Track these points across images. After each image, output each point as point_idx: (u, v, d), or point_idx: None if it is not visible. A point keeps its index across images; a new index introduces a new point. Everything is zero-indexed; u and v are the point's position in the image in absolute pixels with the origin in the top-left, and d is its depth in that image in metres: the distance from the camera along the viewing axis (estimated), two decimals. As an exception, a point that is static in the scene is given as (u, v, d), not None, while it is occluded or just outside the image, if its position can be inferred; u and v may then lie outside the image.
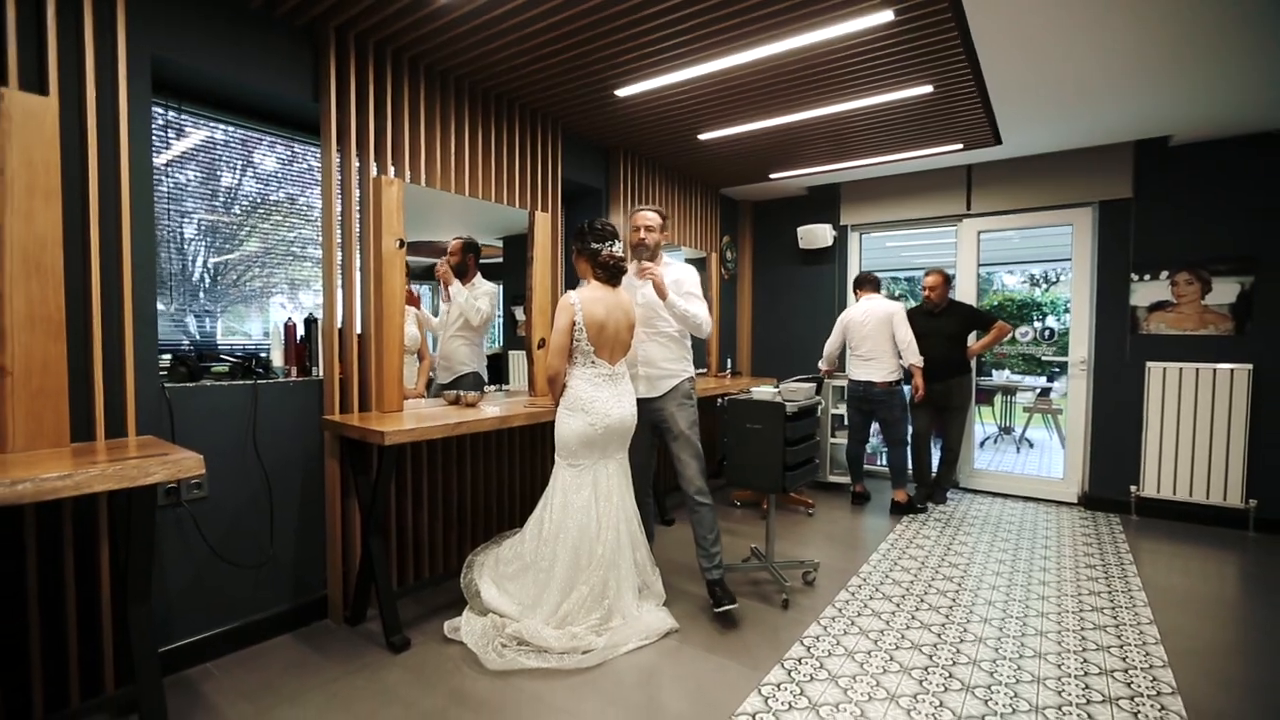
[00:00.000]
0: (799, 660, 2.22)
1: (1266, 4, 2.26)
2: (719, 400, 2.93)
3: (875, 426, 4.35)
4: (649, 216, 2.73)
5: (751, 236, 5.61)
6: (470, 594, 2.45)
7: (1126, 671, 2.16)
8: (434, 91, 2.77)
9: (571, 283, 2.55)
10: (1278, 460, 3.60)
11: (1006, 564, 3.16)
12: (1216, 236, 3.74)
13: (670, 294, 2.58)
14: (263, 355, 2.56)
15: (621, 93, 3.00)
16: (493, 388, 3.34)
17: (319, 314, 2.53)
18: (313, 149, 2.97)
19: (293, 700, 1.96)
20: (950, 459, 4.29)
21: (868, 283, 4.26)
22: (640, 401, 2.63)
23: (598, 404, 2.38)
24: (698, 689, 2.05)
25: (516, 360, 3.48)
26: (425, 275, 3.04)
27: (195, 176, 2.67)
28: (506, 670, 2.13)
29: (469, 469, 2.94)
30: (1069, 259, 4.35)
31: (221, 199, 2.80)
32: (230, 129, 2.74)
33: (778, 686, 2.05)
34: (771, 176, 4.65)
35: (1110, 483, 4.08)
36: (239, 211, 2.86)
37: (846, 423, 4.40)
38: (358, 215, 2.51)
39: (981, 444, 6.34)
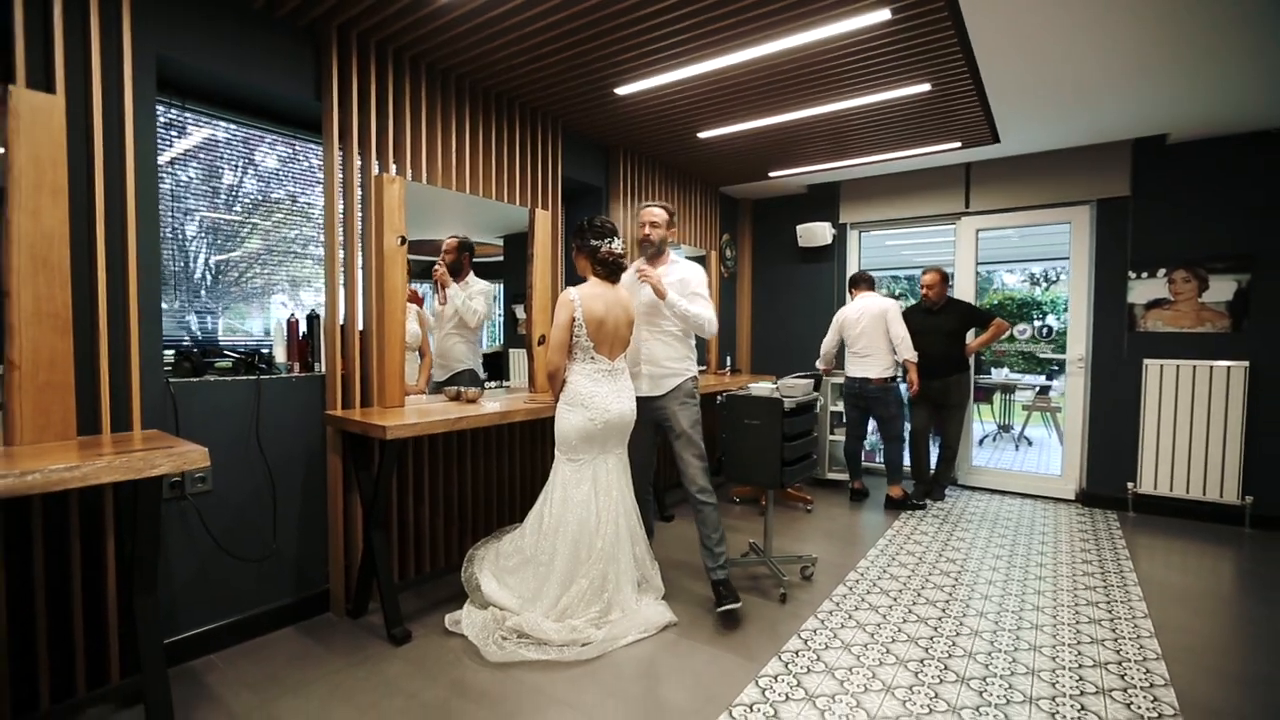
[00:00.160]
0: (796, 653, 2.24)
1: (1263, 3, 2.28)
2: (718, 397, 2.94)
3: (874, 424, 4.38)
4: (654, 212, 2.72)
5: (751, 235, 5.63)
6: (471, 588, 2.47)
7: (1120, 664, 2.18)
8: (435, 90, 2.79)
9: (571, 280, 2.57)
10: (1274, 457, 3.62)
11: (1003, 559, 3.18)
12: (1213, 234, 3.75)
13: (670, 294, 2.58)
14: (265, 351, 2.59)
15: (621, 91, 3.02)
16: (494, 384, 3.37)
17: (320, 311, 2.55)
18: (313, 147, 3.00)
19: (296, 691, 1.98)
20: (948, 456, 4.32)
21: (862, 281, 4.32)
22: (643, 400, 2.65)
23: (597, 399, 2.40)
24: (696, 680, 2.07)
25: (517, 358, 3.51)
26: (426, 274, 3.06)
27: (197, 175, 2.70)
28: (507, 662, 2.15)
29: (469, 465, 2.96)
30: (1067, 257, 4.37)
31: (223, 197, 2.82)
32: (232, 127, 2.77)
33: (775, 678, 2.08)
34: (771, 175, 4.67)
35: (1108, 479, 4.10)
36: (240, 210, 2.88)
37: (844, 420, 4.43)
38: (360, 212, 2.53)
39: (980, 442, 6.36)
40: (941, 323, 4.16)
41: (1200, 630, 2.46)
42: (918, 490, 4.25)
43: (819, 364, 4.50)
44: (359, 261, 2.54)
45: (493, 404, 2.75)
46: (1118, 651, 2.26)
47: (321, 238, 3.04)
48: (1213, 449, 3.72)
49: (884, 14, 2.29)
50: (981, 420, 6.88)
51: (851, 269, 5.05)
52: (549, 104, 3.24)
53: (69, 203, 1.75)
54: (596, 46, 2.57)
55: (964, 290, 4.59)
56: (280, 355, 2.52)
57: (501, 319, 3.62)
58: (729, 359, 5.32)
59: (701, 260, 4.90)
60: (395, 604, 2.34)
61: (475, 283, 3.12)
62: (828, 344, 4.40)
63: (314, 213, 3.10)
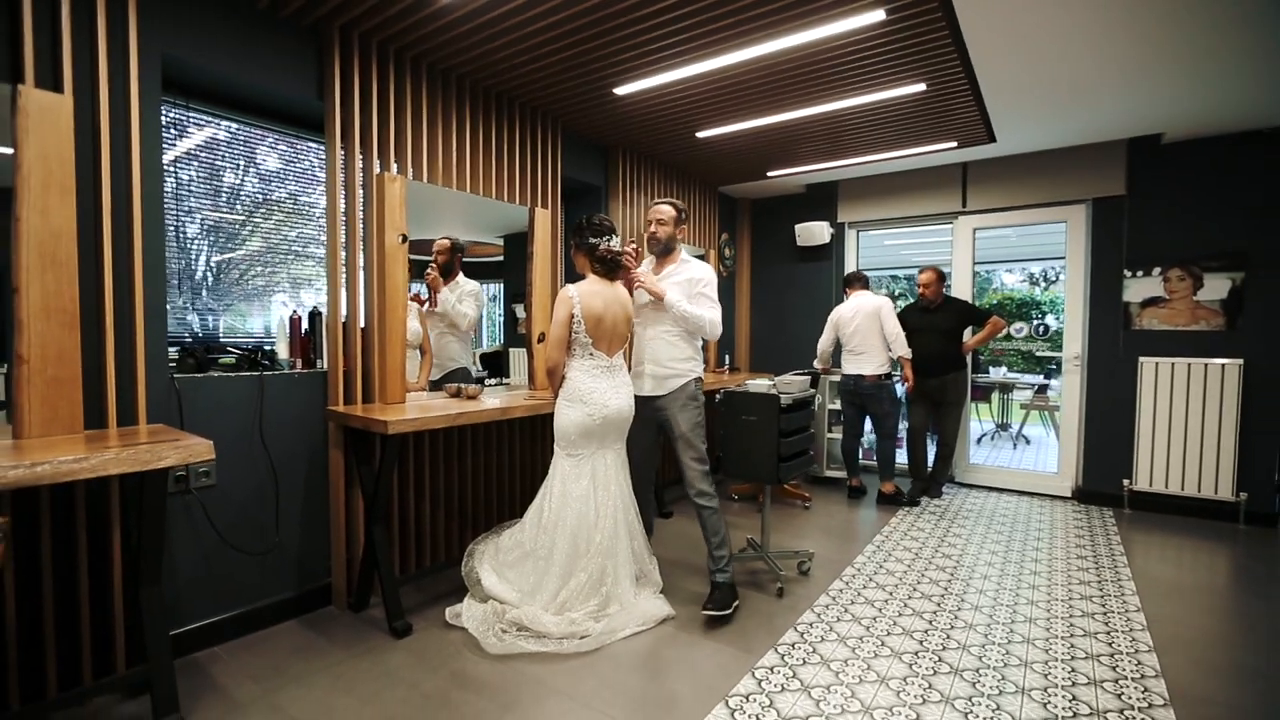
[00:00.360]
0: (792, 645, 2.27)
1: (1259, 4, 2.31)
2: (716, 395, 2.97)
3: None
4: (661, 209, 2.68)
5: (750, 234, 5.66)
6: (471, 582, 2.50)
7: (1113, 656, 2.21)
8: (435, 90, 2.82)
9: (571, 279, 2.59)
10: (1268, 454, 3.65)
11: (999, 555, 3.21)
12: (1208, 233, 3.78)
13: (670, 295, 2.57)
14: (268, 348, 2.62)
15: (620, 91, 3.05)
16: (493, 381, 3.40)
17: (322, 308, 2.58)
18: (314, 146, 3.03)
19: (299, 681, 2.01)
20: (945, 454, 4.34)
21: (856, 280, 4.37)
22: (646, 399, 2.65)
23: (596, 395, 2.43)
24: (693, 672, 2.10)
25: (517, 356, 3.54)
26: (425, 273, 3.09)
27: (199, 174, 2.73)
28: (506, 654, 2.18)
29: (469, 461, 2.99)
30: (1064, 257, 4.40)
31: (225, 197, 2.85)
32: (234, 126, 2.79)
33: (771, 669, 2.11)
34: (769, 174, 4.70)
35: (1103, 477, 4.13)
36: (242, 210, 2.91)
37: (841, 418, 4.46)
38: (361, 211, 2.56)
39: (979, 440, 6.39)
40: (938, 321, 4.19)
41: (1192, 624, 2.48)
42: (915, 487, 4.27)
43: (816, 364, 4.54)
44: (360, 259, 2.57)
45: (493, 400, 2.78)
46: (1110, 644, 2.29)
47: (322, 238, 3.08)
48: (1207, 446, 3.75)
49: (879, 14, 2.32)
50: (980, 419, 6.90)
51: (850, 268, 5.08)
52: (549, 103, 3.28)
53: (76, 201, 1.78)
54: (596, 46, 2.60)
55: (962, 289, 4.62)
56: (283, 352, 2.55)
57: (502, 318, 3.65)
58: (728, 358, 5.35)
59: (701, 259, 4.92)
60: (396, 597, 2.37)
61: (465, 283, 3.14)
62: (824, 343, 4.44)
63: (315, 213, 3.14)
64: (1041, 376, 7.13)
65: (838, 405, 4.56)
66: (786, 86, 3.03)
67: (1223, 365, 3.69)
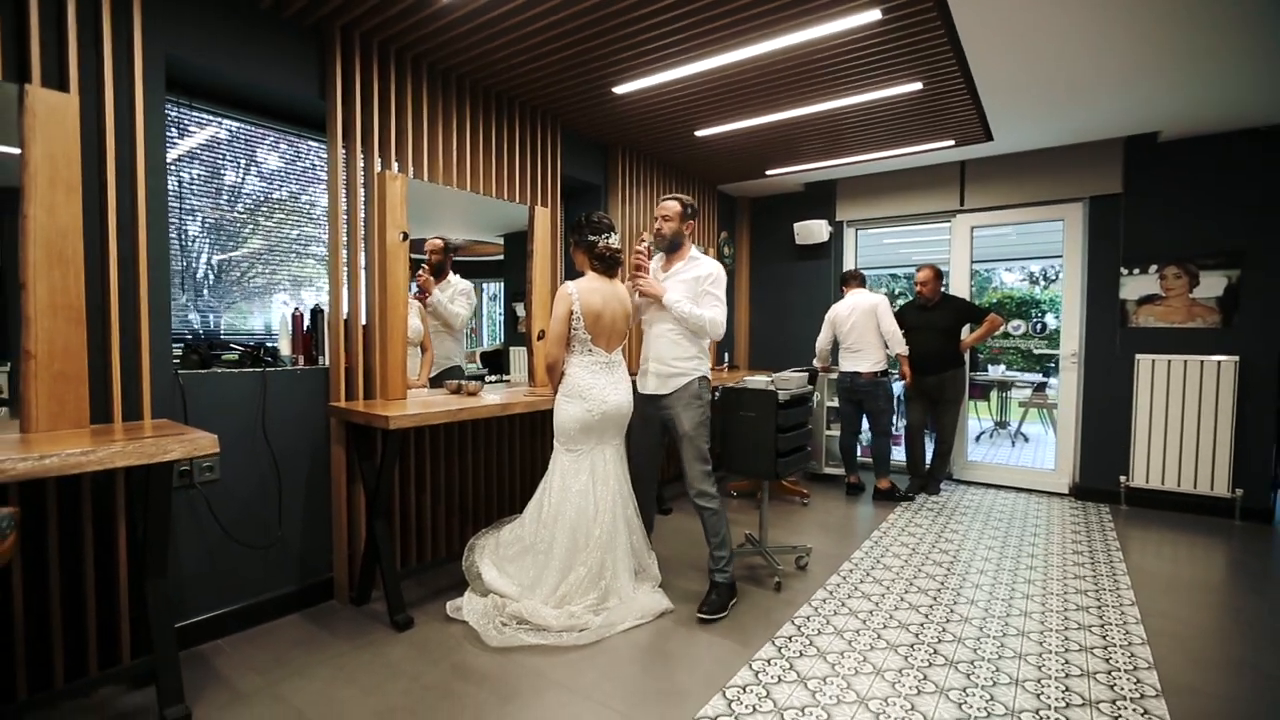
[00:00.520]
0: (789, 638, 2.29)
1: (1256, 3, 2.32)
2: (714, 392, 2.99)
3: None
4: (667, 205, 2.61)
5: (749, 232, 5.69)
6: (472, 576, 2.53)
7: (1106, 649, 2.23)
8: (436, 89, 2.85)
9: (571, 277, 2.61)
10: (1264, 451, 3.67)
11: (995, 551, 3.23)
12: (1204, 231, 3.80)
13: (669, 295, 2.54)
14: (270, 345, 2.64)
15: (619, 90, 3.08)
16: (493, 379, 3.43)
17: (324, 305, 2.60)
18: (315, 146, 3.06)
19: (301, 673, 2.04)
20: (943, 451, 4.36)
21: (853, 278, 4.42)
22: (650, 398, 2.64)
23: (595, 390, 2.46)
24: (691, 664, 2.12)
25: (517, 355, 3.57)
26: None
27: (202, 173, 2.75)
28: (507, 647, 2.20)
29: (470, 456, 3.02)
30: (1062, 255, 4.42)
31: (226, 196, 2.88)
32: (235, 125, 2.82)
33: (768, 661, 2.13)
34: (768, 173, 4.72)
35: (1100, 473, 4.15)
36: (243, 209, 2.94)
37: (839, 415, 4.48)
38: (363, 209, 2.59)
39: (977, 438, 6.41)
40: (936, 319, 4.22)
41: (1186, 618, 2.51)
42: (913, 484, 4.30)
43: (816, 362, 4.56)
44: (362, 257, 2.59)
45: (493, 396, 2.80)
46: (1104, 637, 2.32)
47: (323, 237, 3.11)
48: (1204, 443, 3.77)
49: (875, 14, 2.34)
50: (978, 417, 6.93)
51: (848, 266, 5.10)
52: (548, 103, 3.30)
53: (82, 199, 1.80)
54: (595, 46, 2.62)
55: (960, 287, 4.64)
56: (285, 348, 2.58)
57: (502, 317, 3.68)
58: (727, 355, 5.38)
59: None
60: (398, 591, 2.40)
61: (457, 282, 3.16)
62: (822, 341, 4.47)
63: (315, 212, 3.16)
64: (1040, 374, 7.15)
65: (836, 403, 4.59)
66: (784, 86, 3.06)
67: (1219, 362, 3.71)
